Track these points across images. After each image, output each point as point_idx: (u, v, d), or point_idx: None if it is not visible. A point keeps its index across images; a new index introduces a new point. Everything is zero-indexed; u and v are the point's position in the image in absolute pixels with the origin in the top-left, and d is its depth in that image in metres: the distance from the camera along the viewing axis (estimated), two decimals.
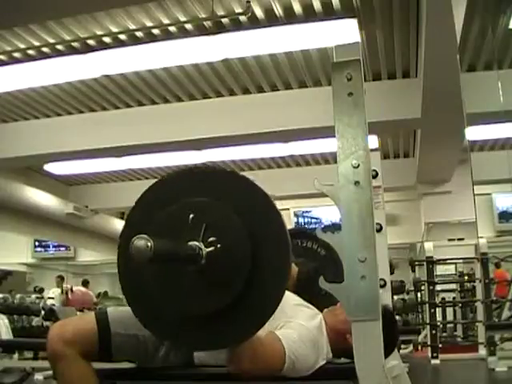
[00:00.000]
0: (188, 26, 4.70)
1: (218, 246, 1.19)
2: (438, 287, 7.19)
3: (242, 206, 1.22)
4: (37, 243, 12.44)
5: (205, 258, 1.18)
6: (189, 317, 1.21)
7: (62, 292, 9.84)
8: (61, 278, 10.02)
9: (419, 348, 7.60)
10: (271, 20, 4.59)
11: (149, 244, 1.04)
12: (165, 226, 1.20)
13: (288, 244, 1.21)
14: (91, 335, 1.52)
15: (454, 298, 7.95)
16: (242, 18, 4.53)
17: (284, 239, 1.21)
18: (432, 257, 7.10)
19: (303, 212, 10.69)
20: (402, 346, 6.55)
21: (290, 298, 1.66)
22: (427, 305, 7.09)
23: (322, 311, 1.75)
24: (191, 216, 1.19)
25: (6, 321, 6.85)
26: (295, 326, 1.57)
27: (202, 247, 1.18)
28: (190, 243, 1.19)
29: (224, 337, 1.23)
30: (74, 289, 10.20)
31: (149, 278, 1.24)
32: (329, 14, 4.52)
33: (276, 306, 1.22)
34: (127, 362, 1.62)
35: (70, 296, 9.73)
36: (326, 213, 10.26)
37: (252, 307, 1.19)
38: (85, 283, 10.79)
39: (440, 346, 6.74)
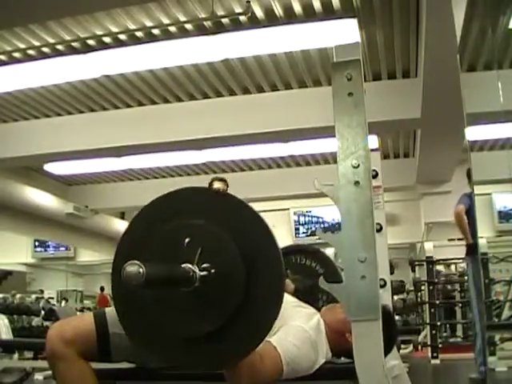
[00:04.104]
0: (188, 26, 4.70)
1: (212, 271, 1.18)
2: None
3: (237, 229, 1.21)
4: (37, 243, 12.44)
5: (198, 280, 1.17)
6: (184, 338, 1.21)
7: None
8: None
9: (419, 348, 7.60)
10: (271, 20, 4.59)
11: (141, 270, 1.03)
12: (158, 248, 1.19)
13: (282, 269, 1.20)
14: (90, 335, 1.52)
15: (453, 298, 7.95)
16: (242, 18, 4.53)
17: (278, 263, 1.20)
18: (432, 257, 7.10)
19: (303, 212, 10.68)
20: (402, 346, 6.55)
21: (286, 300, 1.66)
22: (427, 305, 7.10)
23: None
24: (187, 240, 1.19)
25: (6, 321, 6.85)
26: (291, 329, 1.57)
27: (196, 270, 1.17)
28: (184, 265, 1.18)
29: (218, 357, 1.22)
30: None
31: (142, 300, 1.23)
32: (329, 13, 4.52)
33: (269, 327, 1.22)
34: (126, 362, 1.61)
35: None
36: (326, 213, 10.26)
37: (246, 328, 1.18)
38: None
39: (440, 345, 6.75)
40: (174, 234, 1.19)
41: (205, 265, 1.18)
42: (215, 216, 1.23)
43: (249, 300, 1.18)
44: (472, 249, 4.46)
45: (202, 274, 1.18)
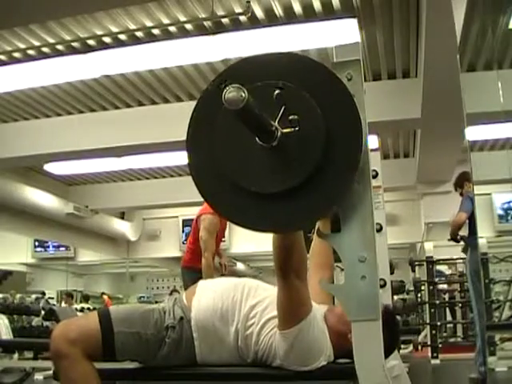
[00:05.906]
0: (188, 26, 4.71)
1: (296, 128, 1.16)
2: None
3: (323, 95, 1.19)
4: (37, 243, 12.43)
5: (279, 138, 1.16)
6: (257, 195, 1.19)
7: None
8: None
9: (419, 348, 7.60)
10: (271, 20, 4.60)
11: (243, 94, 1.03)
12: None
13: (360, 140, 1.17)
14: (95, 334, 1.53)
15: (453, 298, 7.96)
16: (242, 18, 4.54)
17: (358, 133, 1.17)
18: (432, 257, 7.11)
19: None
20: (402, 346, 6.56)
21: None
22: (427, 305, 7.10)
23: None
24: (276, 92, 1.17)
25: (6, 321, 6.85)
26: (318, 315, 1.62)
27: (278, 127, 1.16)
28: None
29: (291, 216, 1.20)
30: None
31: (218, 143, 1.23)
32: (329, 13, 4.52)
33: (342, 194, 1.19)
34: (130, 360, 1.62)
35: None
36: None
37: (321, 190, 1.17)
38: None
39: (440, 345, 6.75)
40: (259, 92, 1.16)
41: (291, 117, 1.16)
42: (302, 79, 1.21)
43: (326, 163, 1.16)
44: (452, 238, 4.60)
45: (285, 131, 1.16)
